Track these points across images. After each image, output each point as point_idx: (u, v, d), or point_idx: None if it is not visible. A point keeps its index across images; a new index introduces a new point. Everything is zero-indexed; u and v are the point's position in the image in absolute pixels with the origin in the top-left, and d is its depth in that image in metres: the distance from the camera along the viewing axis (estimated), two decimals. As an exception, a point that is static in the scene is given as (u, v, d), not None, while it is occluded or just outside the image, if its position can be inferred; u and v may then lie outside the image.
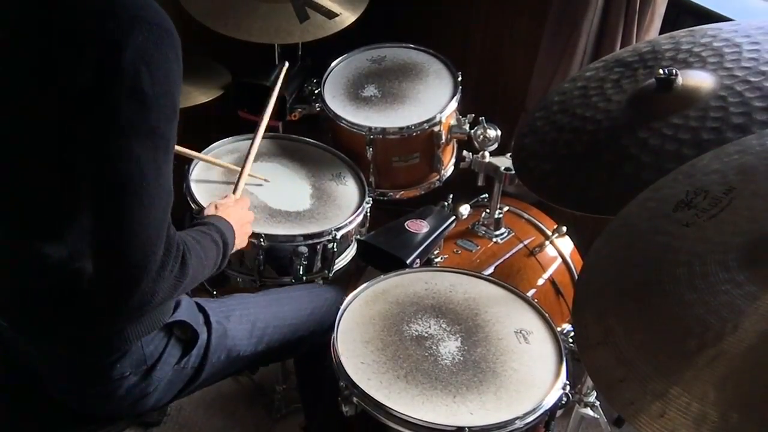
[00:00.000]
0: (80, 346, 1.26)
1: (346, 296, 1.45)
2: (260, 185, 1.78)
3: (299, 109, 2.04)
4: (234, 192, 1.63)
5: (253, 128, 1.90)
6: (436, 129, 1.89)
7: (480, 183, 1.92)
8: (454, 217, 1.78)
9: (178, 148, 1.46)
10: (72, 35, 1.01)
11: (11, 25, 1.04)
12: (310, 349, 1.55)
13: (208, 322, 1.40)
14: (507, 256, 1.92)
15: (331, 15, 2.01)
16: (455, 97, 1.95)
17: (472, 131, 1.90)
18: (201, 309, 1.41)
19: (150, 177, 1.03)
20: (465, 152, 1.91)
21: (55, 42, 1.02)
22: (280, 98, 1.98)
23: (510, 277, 1.84)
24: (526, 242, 1.96)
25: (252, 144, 1.73)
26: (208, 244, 1.27)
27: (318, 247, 1.68)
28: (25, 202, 1.16)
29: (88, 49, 1.00)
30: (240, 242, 1.45)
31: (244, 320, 1.45)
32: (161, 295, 1.09)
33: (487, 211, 1.96)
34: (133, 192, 1.02)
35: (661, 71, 1.26)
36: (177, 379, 1.37)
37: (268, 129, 1.84)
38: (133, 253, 1.04)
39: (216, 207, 1.47)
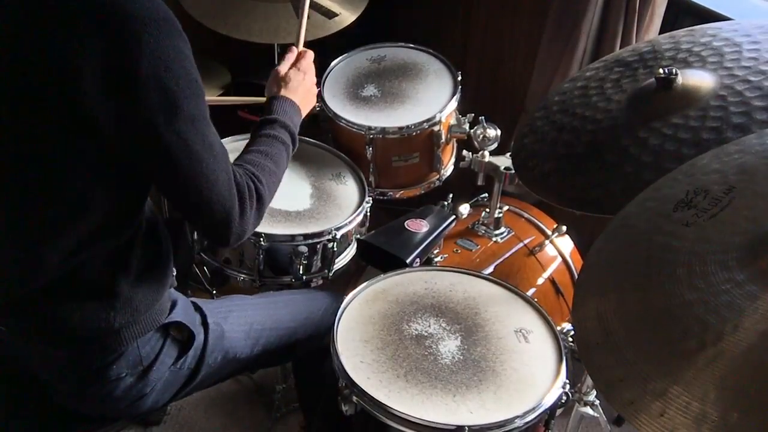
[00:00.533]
0: (76, 348, 1.25)
1: (346, 295, 1.45)
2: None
3: (299, 109, 2.04)
4: (297, 44, 1.63)
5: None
6: (435, 128, 1.89)
7: (480, 182, 1.92)
8: (454, 217, 1.78)
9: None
10: (73, 41, 1.01)
11: (11, 36, 1.04)
12: (308, 353, 1.55)
13: (205, 323, 1.39)
14: (507, 255, 1.92)
15: (330, 15, 2.01)
16: (455, 97, 1.95)
17: (472, 131, 1.90)
18: (198, 309, 1.41)
19: (203, 153, 1.12)
20: (465, 152, 1.91)
21: (60, 47, 1.01)
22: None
23: (510, 277, 1.84)
24: (526, 242, 1.96)
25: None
26: (277, 151, 1.36)
27: (318, 246, 1.68)
28: (23, 204, 1.16)
29: (96, 56, 1.00)
30: (308, 107, 1.54)
31: (241, 322, 1.45)
32: (250, 228, 1.24)
33: (487, 210, 1.97)
34: (195, 173, 1.12)
35: (661, 71, 1.26)
36: (174, 380, 1.37)
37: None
38: (216, 218, 1.18)
39: (278, 86, 1.49)
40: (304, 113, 1.52)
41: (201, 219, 1.20)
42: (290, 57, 1.57)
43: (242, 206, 1.20)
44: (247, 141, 1.86)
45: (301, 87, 1.52)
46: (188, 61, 1.08)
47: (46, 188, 1.13)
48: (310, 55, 1.59)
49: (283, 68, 1.54)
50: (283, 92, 1.48)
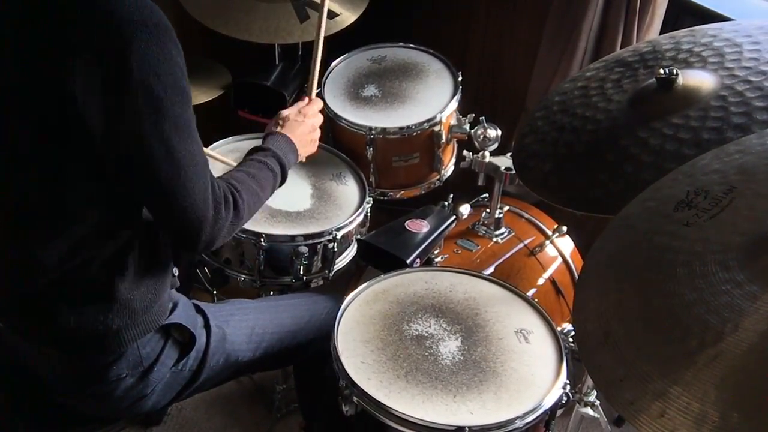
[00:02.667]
0: (75, 348, 1.25)
1: (346, 296, 1.45)
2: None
3: (299, 109, 2.04)
4: (308, 94, 1.65)
5: (253, 129, 1.90)
6: (436, 129, 1.89)
7: (480, 183, 1.92)
8: (454, 217, 1.78)
9: None
10: (67, 45, 1.01)
11: (6, 36, 1.05)
12: (309, 356, 1.55)
13: (207, 326, 1.39)
14: (507, 255, 1.92)
15: (331, 15, 2.01)
16: (455, 97, 1.95)
17: (473, 131, 1.90)
18: (200, 311, 1.41)
19: (184, 161, 1.11)
20: (465, 152, 1.91)
21: (52, 49, 1.02)
22: (280, 97, 1.98)
23: (510, 277, 1.84)
24: (526, 242, 1.96)
25: (316, 46, 1.71)
26: (263, 175, 1.36)
27: (318, 247, 1.68)
28: (20, 206, 1.16)
29: (88, 59, 1.01)
30: (303, 153, 1.54)
31: (243, 325, 1.45)
32: (220, 240, 1.23)
33: (488, 210, 1.96)
34: (174, 179, 1.11)
35: (661, 71, 1.26)
36: (175, 382, 1.37)
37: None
38: (186, 225, 1.17)
39: (281, 123, 1.52)
40: (301, 155, 1.53)
41: (172, 224, 1.19)
42: (299, 104, 1.61)
43: (216, 216, 1.19)
44: (247, 141, 1.89)
45: (299, 129, 1.53)
46: (178, 68, 1.08)
47: (44, 192, 1.13)
48: (318, 104, 1.63)
49: (286, 111, 1.57)
50: (280, 130, 1.50)
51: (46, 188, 1.13)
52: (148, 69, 1.03)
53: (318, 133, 1.61)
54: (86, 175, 1.12)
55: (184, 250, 1.28)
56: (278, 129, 1.51)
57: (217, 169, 1.76)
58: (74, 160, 1.10)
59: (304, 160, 1.56)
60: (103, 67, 1.02)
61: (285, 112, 1.56)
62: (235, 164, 1.72)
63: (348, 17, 2.02)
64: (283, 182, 1.43)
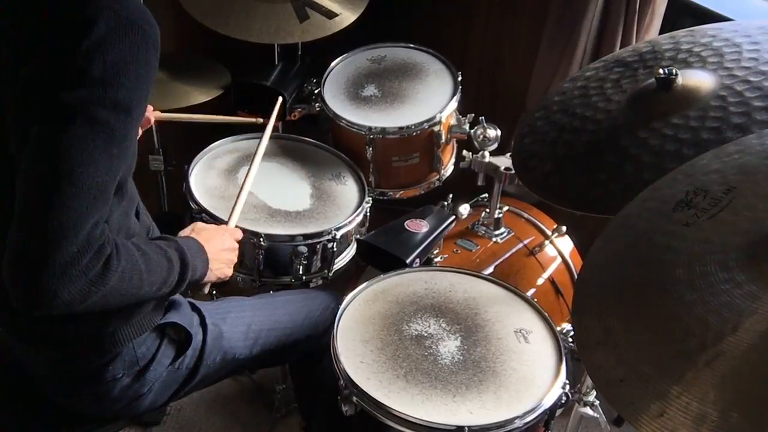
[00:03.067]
0: (70, 349, 1.25)
1: (346, 296, 1.45)
2: (262, 184, 1.78)
3: (299, 109, 2.04)
4: (228, 221, 1.51)
5: (253, 129, 1.90)
6: (435, 129, 1.89)
7: (480, 183, 1.92)
8: (453, 217, 1.78)
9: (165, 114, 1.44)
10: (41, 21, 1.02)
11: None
12: (306, 353, 1.55)
13: (203, 324, 1.39)
14: (507, 255, 1.92)
15: (330, 15, 2.01)
16: (455, 97, 1.95)
17: (472, 131, 1.90)
18: (196, 310, 1.41)
19: (77, 164, 0.98)
20: (465, 152, 1.91)
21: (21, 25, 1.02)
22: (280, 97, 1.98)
23: (510, 277, 1.84)
24: (525, 242, 1.96)
25: (248, 173, 1.60)
26: (157, 259, 1.15)
27: (318, 246, 1.68)
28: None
29: (50, 32, 1.00)
30: (216, 269, 1.32)
31: (240, 323, 1.45)
32: (66, 297, 0.99)
33: (487, 210, 1.97)
34: (51, 175, 0.98)
35: (661, 71, 1.26)
36: (172, 380, 1.37)
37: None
38: (35, 242, 0.98)
39: (193, 229, 1.36)
40: (211, 270, 1.30)
41: (18, 239, 0.99)
42: (211, 226, 1.42)
43: (76, 258, 0.99)
44: (246, 141, 1.89)
45: (215, 241, 1.34)
46: (132, 74, 1.01)
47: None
48: (238, 233, 1.46)
49: (209, 225, 1.42)
50: (196, 236, 1.31)
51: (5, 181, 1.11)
52: (95, 47, 0.98)
53: (235, 257, 1.40)
54: None
55: (15, 297, 1.01)
56: (190, 233, 1.34)
57: (215, 172, 1.79)
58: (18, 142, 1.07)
59: (214, 278, 1.33)
60: (57, 40, 1.00)
61: (202, 225, 1.40)
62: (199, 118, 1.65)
63: (348, 17, 2.02)
64: (180, 285, 1.21)
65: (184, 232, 1.35)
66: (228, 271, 1.37)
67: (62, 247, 0.98)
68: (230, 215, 1.53)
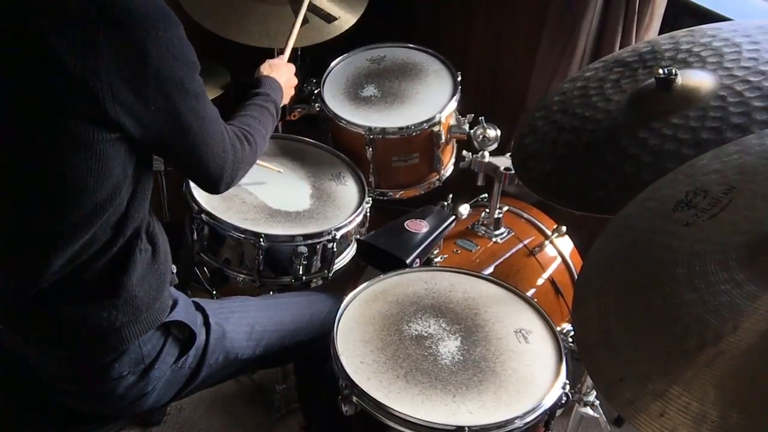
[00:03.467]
0: (77, 347, 1.26)
1: (346, 296, 1.45)
2: (261, 184, 1.78)
3: (299, 109, 2.04)
4: (283, 53, 1.82)
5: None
6: (435, 129, 1.89)
7: (480, 183, 1.92)
8: (453, 217, 1.78)
9: None
10: (90, 42, 1.06)
11: (13, 41, 1.07)
12: (310, 354, 1.55)
13: (207, 323, 1.40)
14: (507, 255, 1.92)
15: (330, 19, 2.01)
16: (455, 97, 1.95)
17: (472, 131, 1.90)
18: (200, 309, 1.41)
19: (207, 123, 1.25)
20: (465, 152, 1.91)
21: (71, 51, 1.06)
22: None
23: (510, 277, 1.84)
24: (525, 242, 1.96)
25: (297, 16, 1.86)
26: (267, 118, 1.53)
27: (318, 247, 1.68)
28: (37, 214, 1.17)
29: (113, 54, 1.08)
30: (288, 96, 1.72)
31: (243, 323, 1.45)
32: (242, 173, 1.40)
33: (487, 210, 1.97)
34: (200, 139, 1.24)
35: (660, 71, 1.26)
36: (175, 380, 1.37)
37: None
38: (210, 172, 1.31)
39: (269, 69, 1.68)
40: (284, 100, 1.69)
41: (199, 174, 1.33)
42: (280, 61, 1.76)
43: (234, 157, 1.33)
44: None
45: (286, 76, 1.70)
46: (187, 45, 1.17)
47: (62, 197, 1.14)
48: (292, 67, 1.77)
49: (275, 60, 1.75)
50: (270, 74, 1.66)
51: (65, 196, 1.15)
52: (165, 54, 1.11)
53: (295, 82, 1.77)
54: (101, 177, 1.15)
55: (210, 192, 1.40)
56: (269, 72, 1.67)
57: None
58: (93, 160, 1.13)
59: (285, 102, 1.72)
60: (125, 60, 1.08)
61: (275, 61, 1.74)
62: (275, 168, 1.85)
63: (347, 21, 2.03)
64: (276, 117, 1.60)
65: (264, 70, 1.68)
66: (290, 94, 1.75)
67: (225, 163, 1.32)
68: (284, 50, 1.83)
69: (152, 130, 1.17)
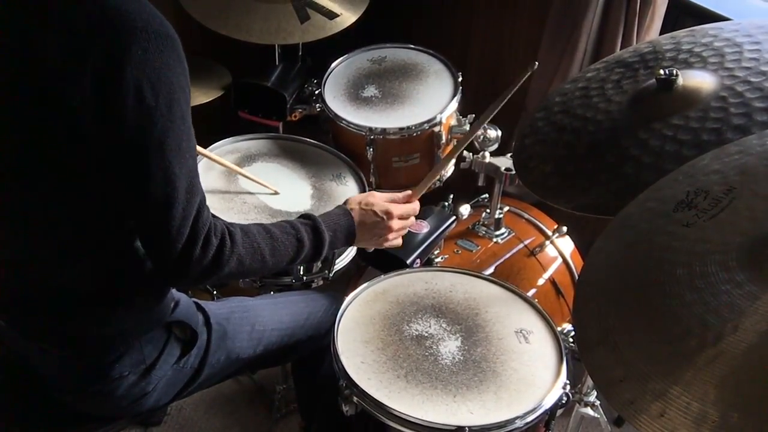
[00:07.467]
0: (78, 347, 1.26)
1: (346, 296, 1.45)
2: (260, 186, 1.78)
3: (299, 110, 2.04)
4: (414, 191, 1.53)
5: (253, 129, 1.90)
6: (436, 129, 1.89)
7: (480, 183, 1.92)
8: (454, 218, 1.78)
9: None
10: (69, 48, 1.01)
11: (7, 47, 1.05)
12: (308, 353, 1.55)
13: (208, 323, 1.40)
14: (507, 256, 1.92)
15: (331, 15, 2.01)
16: (455, 98, 1.95)
17: (473, 132, 1.90)
18: (201, 309, 1.41)
19: (161, 178, 1.06)
20: (465, 152, 1.91)
21: (50, 55, 1.01)
22: (280, 98, 1.98)
23: (510, 277, 1.84)
24: (526, 242, 1.96)
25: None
26: (284, 240, 1.25)
27: (318, 247, 1.68)
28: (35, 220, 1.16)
29: (87, 62, 1.00)
30: (364, 245, 1.45)
31: (244, 323, 1.45)
32: (194, 279, 1.15)
33: (488, 211, 1.97)
34: (158, 192, 1.06)
35: (661, 72, 1.26)
36: (176, 379, 1.37)
37: (268, 129, 1.84)
38: (158, 244, 1.11)
39: (358, 203, 1.41)
40: (357, 243, 1.43)
41: (144, 236, 1.15)
42: (399, 195, 1.49)
43: (189, 250, 1.11)
44: (247, 141, 1.89)
45: (371, 223, 1.41)
46: (176, 85, 1.04)
47: (64, 208, 1.14)
48: (413, 209, 1.50)
49: (381, 195, 1.46)
50: (354, 209, 1.40)
51: (68, 206, 1.14)
52: (141, 76, 1.00)
53: (390, 238, 1.45)
54: (97, 185, 1.13)
55: (162, 278, 1.21)
56: (354, 209, 1.40)
57: (215, 174, 1.79)
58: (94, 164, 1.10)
59: (371, 248, 1.49)
60: (99, 72, 1.00)
61: (379, 197, 1.44)
62: (235, 168, 1.73)
63: (349, 18, 2.03)
64: (316, 258, 1.34)
65: (353, 203, 1.41)
66: (375, 244, 1.46)
67: (174, 244, 1.09)
68: (418, 187, 1.55)
69: (104, 152, 1.06)
